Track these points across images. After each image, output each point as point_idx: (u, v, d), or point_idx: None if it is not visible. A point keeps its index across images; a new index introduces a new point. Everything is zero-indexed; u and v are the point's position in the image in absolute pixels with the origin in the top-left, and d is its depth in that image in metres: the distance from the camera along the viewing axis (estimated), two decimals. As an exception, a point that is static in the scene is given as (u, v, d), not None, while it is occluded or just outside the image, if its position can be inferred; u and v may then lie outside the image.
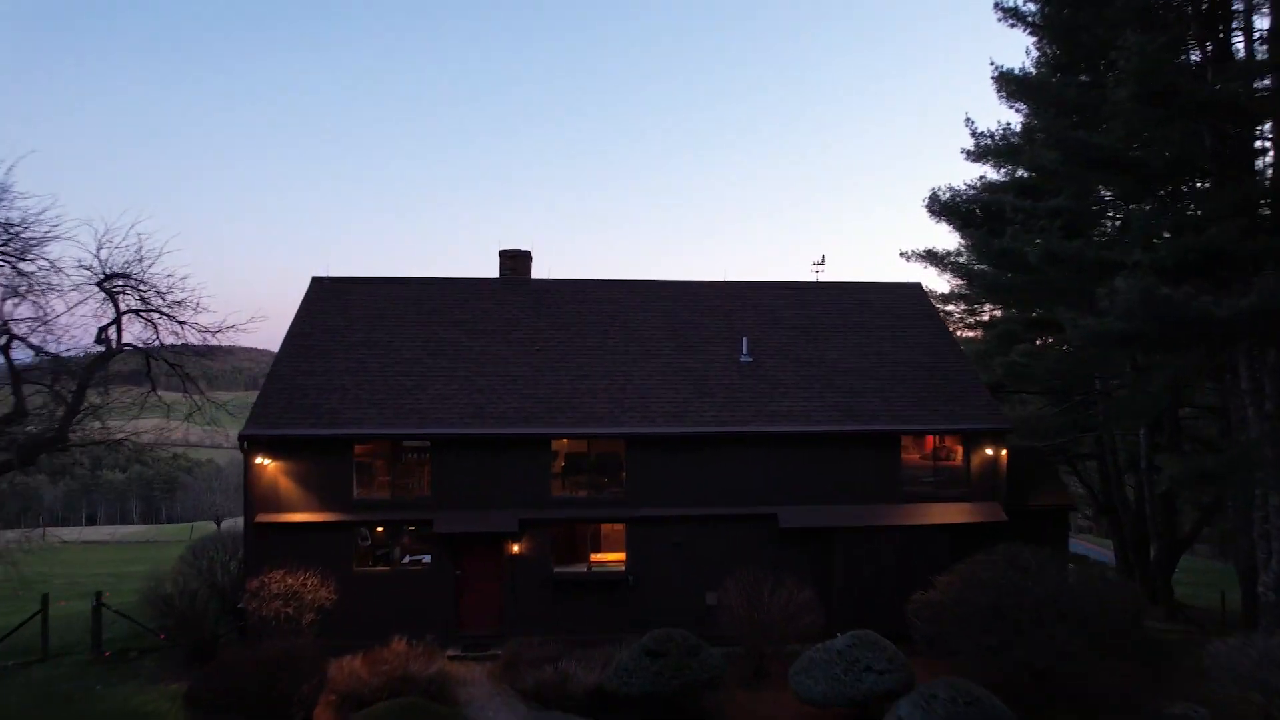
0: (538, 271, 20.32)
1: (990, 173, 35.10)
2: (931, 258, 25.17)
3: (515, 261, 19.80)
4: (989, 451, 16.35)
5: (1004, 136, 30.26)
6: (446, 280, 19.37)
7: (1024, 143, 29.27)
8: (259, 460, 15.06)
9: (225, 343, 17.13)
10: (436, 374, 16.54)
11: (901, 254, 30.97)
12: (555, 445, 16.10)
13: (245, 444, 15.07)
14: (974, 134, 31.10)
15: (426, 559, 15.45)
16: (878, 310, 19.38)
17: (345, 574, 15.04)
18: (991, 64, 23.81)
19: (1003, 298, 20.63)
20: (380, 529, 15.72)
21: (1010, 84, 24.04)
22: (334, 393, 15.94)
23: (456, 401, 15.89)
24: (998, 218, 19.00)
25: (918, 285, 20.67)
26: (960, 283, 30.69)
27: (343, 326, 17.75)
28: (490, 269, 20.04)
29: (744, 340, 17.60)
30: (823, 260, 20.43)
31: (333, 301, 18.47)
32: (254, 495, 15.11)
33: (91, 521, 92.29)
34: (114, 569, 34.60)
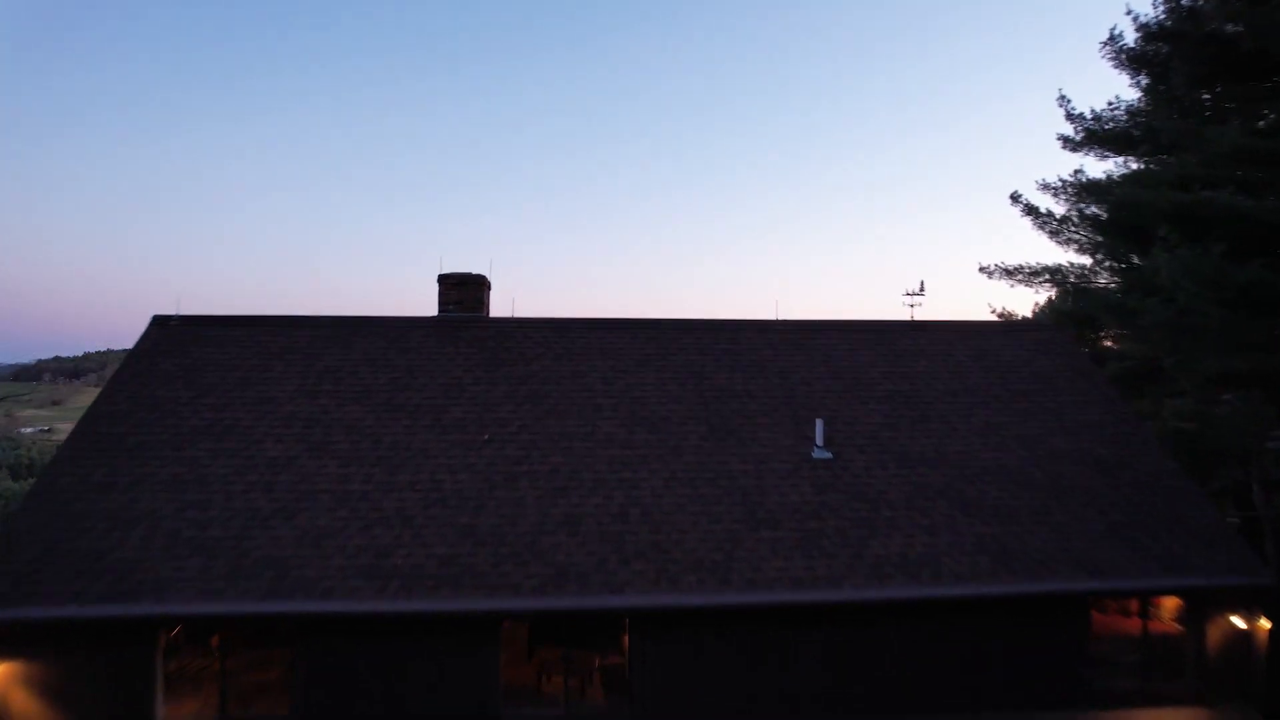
0: (499, 308, 13.93)
1: (1092, 164, 27.88)
2: (1055, 277, 18.62)
3: (462, 291, 13.20)
4: (1236, 621, 9.81)
5: (1110, 118, 23.58)
6: (356, 321, 12.80)
7: (1133, 126, 22.64)
8: (-21, 663, 8.53)
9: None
10: (318, 486, 9.98)
11: (982, 269, 24.33)
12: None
13: (-46, 633, 8.54)
14: (1070, 116, 24.44)
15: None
16: (1010, 365, 12.81)
17: None
18: (1130, 12, 17.45)
19: (1189, 345, 14.03)
20: (207, 769, 9.23)
21: (1158, 39, 17.37)
22: (137, 527, 9.39)
23: (343, 542, 9.33)
24: (1204, 227, 12.43)
25: (1060, 328, 14.10)
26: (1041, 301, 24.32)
27: (184, 399, 11.21)
28: (430, 305, 13.49)
29: (818, 423, 11.06)
30: (921, 289, 13.89)
31: (178, 357, 11.92)
32: (-30, 726, 8.60)
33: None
34: None
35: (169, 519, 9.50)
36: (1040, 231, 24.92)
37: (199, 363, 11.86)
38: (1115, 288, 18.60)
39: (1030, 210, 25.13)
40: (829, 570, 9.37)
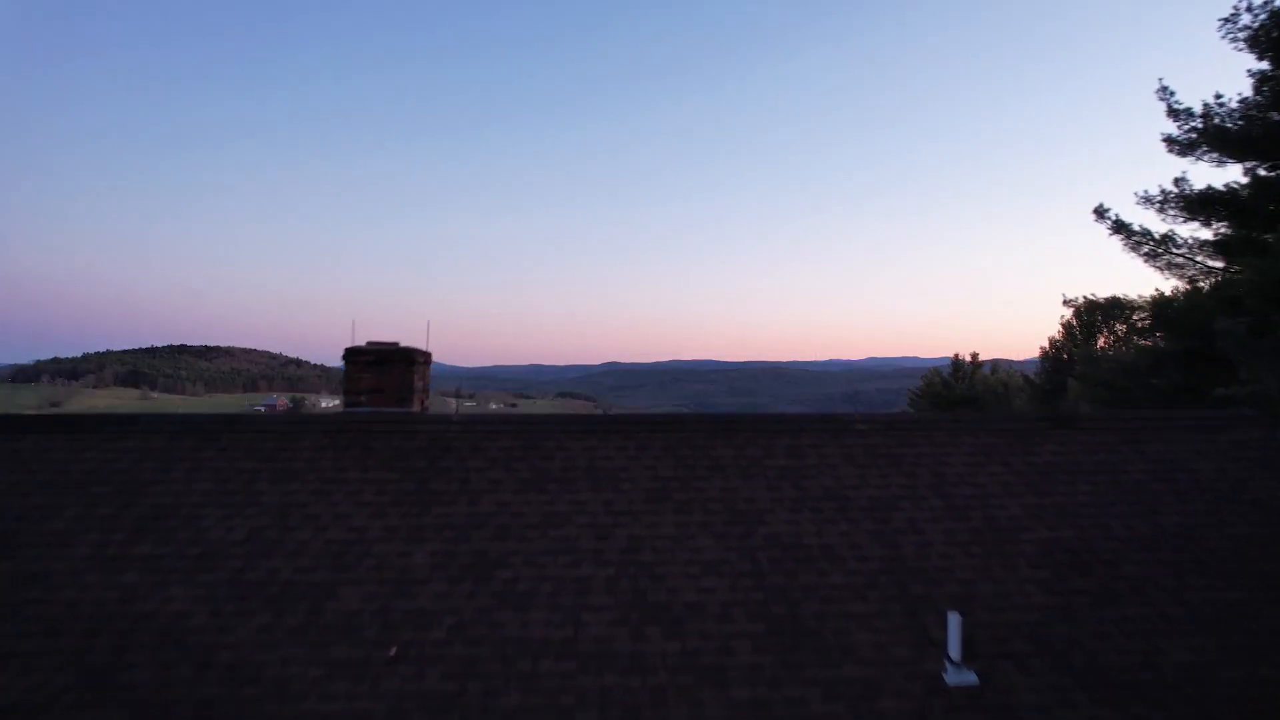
0: (447, 371, 9.54)
1: (1202, 170, 23.28)
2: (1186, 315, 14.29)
3: (380, 374, 8.73)
4: None
5: (1228, 114, 19.48)
6: (213, 425, 8.35)
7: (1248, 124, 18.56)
8: None
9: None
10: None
11: (1067, 303, 19.97)
12: None
13: None
14: (1174, 111, 20.24)
15: None
16: (1215, 488, 8.37)
17: None
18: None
19: None
20: None
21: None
22: None
23: None
24: None
25: (1263, 420, 9.61)
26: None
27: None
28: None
29: (951, 620, 6.62)
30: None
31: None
32: None
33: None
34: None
35: None
36: (1133, 254, 20.55)
37: (-50, 500, 7.39)
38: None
39: (1120, 228, 20.72)
40: None
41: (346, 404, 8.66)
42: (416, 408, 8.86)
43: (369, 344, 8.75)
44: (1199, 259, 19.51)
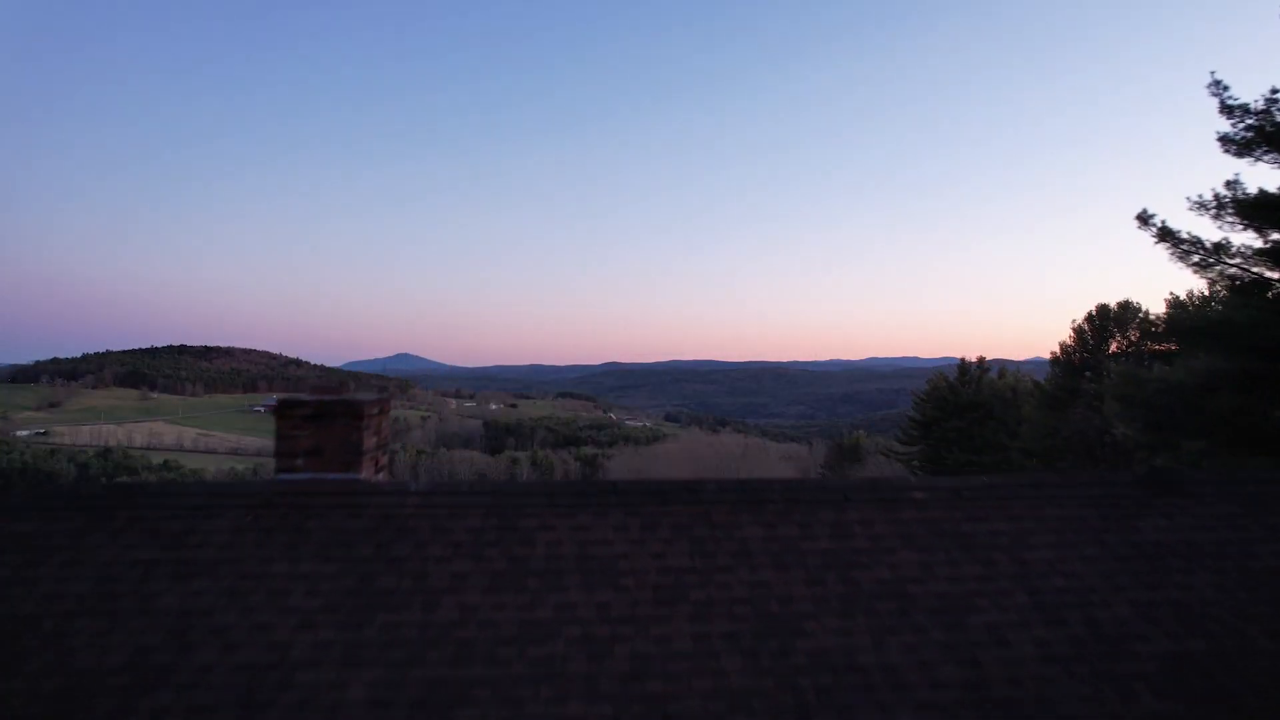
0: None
1: (1260, 172, 21.79)
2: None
3: (320, 431, 6.93)
4: None
5: None
6: (104, 502, 6.62)
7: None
8: None
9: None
10: None
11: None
12: None
13: None
14: (1228, 108, 18.67)
15: None
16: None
17: None
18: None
19: None
20: None
21: None
22: None
23: None
24: None
25: None
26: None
27: None
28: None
29: None
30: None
31: None
32: None
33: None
34: None
35: None
36: (1181, 263, 18.79)
37: None
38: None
39: (1165, 235, 18.99)
40: None
41: (279, 469, 6.93)
42: (367, 473, 7.13)
43: (301, 397, 7.00)
44: (1256, 269, 17.79)
